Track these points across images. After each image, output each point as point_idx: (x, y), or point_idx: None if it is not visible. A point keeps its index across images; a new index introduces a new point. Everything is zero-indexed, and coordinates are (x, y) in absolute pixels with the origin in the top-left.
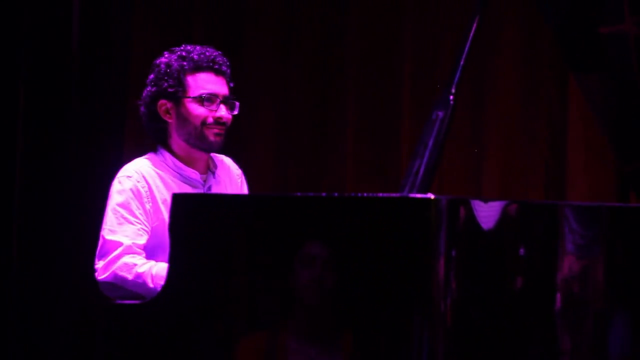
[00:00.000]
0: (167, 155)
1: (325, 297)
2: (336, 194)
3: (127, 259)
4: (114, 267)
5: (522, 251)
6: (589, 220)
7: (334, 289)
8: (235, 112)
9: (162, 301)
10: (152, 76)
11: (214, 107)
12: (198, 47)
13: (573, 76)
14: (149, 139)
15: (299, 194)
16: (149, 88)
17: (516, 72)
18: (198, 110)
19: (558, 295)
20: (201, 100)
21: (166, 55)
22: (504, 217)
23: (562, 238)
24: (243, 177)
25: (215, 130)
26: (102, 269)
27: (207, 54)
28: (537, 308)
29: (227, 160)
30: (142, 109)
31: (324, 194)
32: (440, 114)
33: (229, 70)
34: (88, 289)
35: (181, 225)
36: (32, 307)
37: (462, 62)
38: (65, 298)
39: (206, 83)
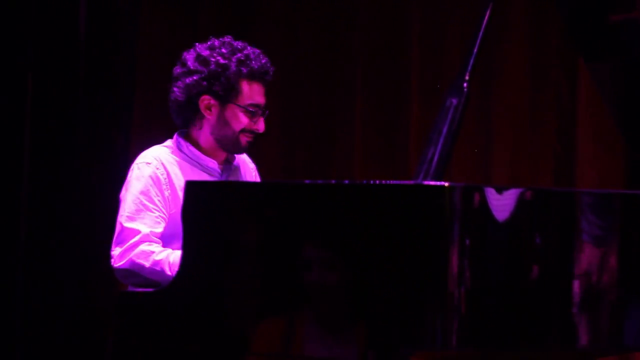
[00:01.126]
0: (185, 144)
1: (339, 285)
2: (351, 182)
3: (144, 246)
4: (132, 255)
5: (538, 239)
6: (605, 207)
7: (346, 278)
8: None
9: (175, 288)
10: (203, 69)
11: (256, 118)
12: (255, 52)
13: (584, 65)
14: (158, 132)
15: (313, 181)
16: (196, 78)
17: (524, 60)
18: (244, 119)
19: (574, 283)
20: (249, 112)
21: (222, 52)
22: (519, 205)
23: (578, 225)
24: (257, 172)
25: (249, 139)
26: (119, 256)
27: (263, 62)
28: (553, 296)
29: (242, 155)
30: (178, 93)
31: (343, 181)
32: (454, 101)
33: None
34: (99, 279)
35: (193, 212)
36: (42, 296)
37: (475, 49)
38: (76, 286)
39: (257, 94)
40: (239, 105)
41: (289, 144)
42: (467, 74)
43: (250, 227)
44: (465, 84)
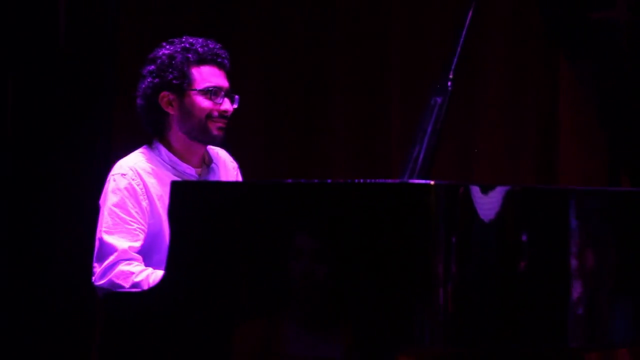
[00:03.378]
0: (163, 149)
1: (324, 285)
2: (337, 181)
3: (123, 266)
4: (111, 275)
5: (524, 237)
6: (593, 205)
7: (332, 276)
8: (236, 106)
9: (162, 288)
10: (152, 67)
11: (219, 100)
12: (200, 40)
13: (565, 62)
14: (139, 134)
15: (299, 180)
16: (149, 79)
17: (505, 58)
18: (204, 103)
19: (563, 281)
20: (208, 93)
21: (167, 47)
22: (505, 203)
23: (566, 223)
24: (238, 170)
25: (219, 124)
26: (99, 275)
27: (211, 46)
28: (541, 294)
29: (223, 153)
30: (139, 100)
31: (328, 181)
32: (439, 99)
33: (229, 63)
34: (83, 279)
35: (180, 211)
36: (26, 297)
37: (459, 48)
38: (62, 288)
39: (211, 76)
40: (195, 90)
41: (272, 143)
42: (452, 72)
43: (235, 227)
44: (449, 83)
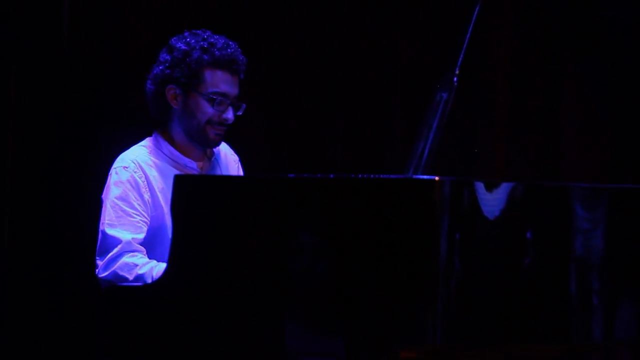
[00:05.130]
0: (164, 143)
1: (328, 279)
2: (342, 175)
3: (127, 258)
4: (115, 267)
5: (528, 233)
6: (597, 201)
7: (335, 271)
8: (240, 113)
9: (164, 281)
10: (168, 57)
11: (222, 108)
12: (222, 41)
13: (571, 59)
14: (142, 128)
15: (303, 175)
16: (161, 67)
17: (511, 56)
18: (206, 108)
19: (566, 278)
20: (212, 100)
21: (187, 40)
22: (510, 199)
23: (570, 220)
24: (240, 163)
25: (217, 130)
26: (103, 267)
27: (229, 51)
28: (544, 291)
29: (224, 147)
30: (149, 84)
31: (335, 175)
32: (444, 95)
33: (245, 69)
34: (84, 273)
35: (183, 205)
36: (26, 292)
37: (465, 44)
38: (64, 282)
39: (221, 82)
40: (201, 94)
41: (275, 137)
42: (457, 68)
43: (238, 222)
44: (455, 78)
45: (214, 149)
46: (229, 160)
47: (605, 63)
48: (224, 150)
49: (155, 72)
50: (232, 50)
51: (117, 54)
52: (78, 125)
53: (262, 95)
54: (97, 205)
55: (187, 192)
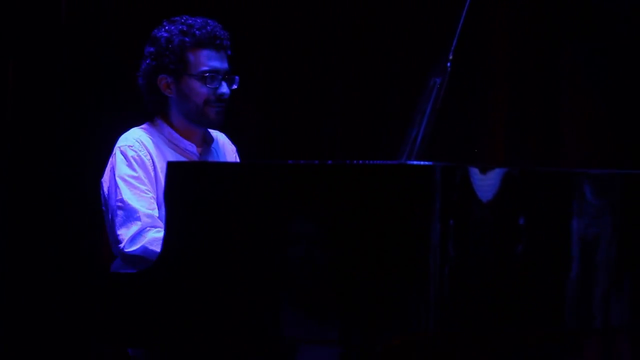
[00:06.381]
0: (165, 126)
1: (322, 266)
2: (335, 161)
3: (153, 233)
4: (144, 242)
5: (523, 220)
6: (595, 188)
7: (329, 258)
8: (235, 87)
9: (159, 269)
10: (152, 49)
11: (215, 84)
12: (199, 21)
13: (568, 46)
14: (143, 112)
15: (296, 161)
16: (148, 61)
17: (508, 42)
18: (200, 89)
19: (562, 264)
20: (203, 78)
21: (166, 28)
22: (504, 185)
23: (566, 206)
24: (237, 153)
25: (217, 108)
26: (129, 241)
27: (209, 28)
28: (539, 277)
29: (222, 137)
30: (140, 80)
31: (327, 161)
32: (438, 80)
33: (229, 43)
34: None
35: (176, 192)
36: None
37: (459, 29)
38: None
39: (207, 60)
40: (192, 75)
41: (271, 127)
42: (451, 53)
43: (233, 208)
44: (448, 64)
45: (213, 136)
46: (226, 149)
47: (604, 47)
48: (222, 139)
49: (143, 66)
50: (212, 27)
51: (115, 43)
52: (77, 115)
53: (259, 86)
54: (96, 195)
55: (180, 179)
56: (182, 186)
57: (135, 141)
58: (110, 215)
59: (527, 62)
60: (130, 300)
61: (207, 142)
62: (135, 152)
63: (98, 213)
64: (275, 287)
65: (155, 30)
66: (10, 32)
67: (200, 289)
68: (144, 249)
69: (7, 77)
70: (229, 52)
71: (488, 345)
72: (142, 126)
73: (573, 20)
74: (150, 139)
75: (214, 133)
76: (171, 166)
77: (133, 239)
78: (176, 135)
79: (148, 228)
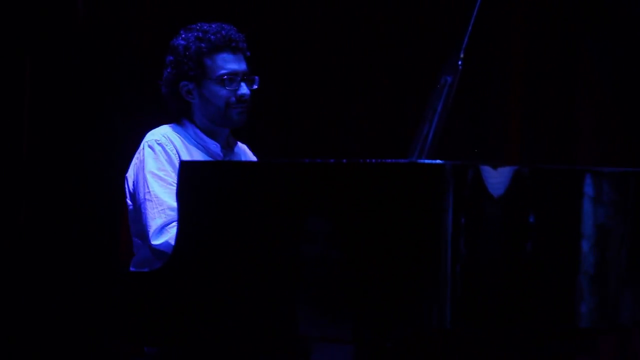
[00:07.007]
0: (190, 125)
1: (334, 264)
2: (347, 160)
3: None
4: (168, 237)
5: (535, 217)
6: (608, 186)
7: (342, 256)
8: (256, 87)
9: (172, 268)
10: (171, 58)
11: (234, 86)
12: (214, 26)
13: (585, 38)
14: (162, 111)
15: (309, 160)
16: (169, 70)
17: (524, 40)
18: (220, 92)
19: (573, 262)
20: (222, 81)
21: (183, 36)
22: (515, 183)
23: (578, 204)
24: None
25: (239, 110)
26: (155, 234)
27: (224, 32)
28: (551, 275)
29: (243, 146)
30: (163, 88)
31: (340, 160)
32: (449, 78)
33: (245, 45)
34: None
35: (189, 192)
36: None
37: (470, 27)
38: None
39: (225, 63)
40: (211, 79)
41: (284, 123)
42: (462, 51)
43: (246, 207)
44: (459, 62)
45: (237, 142)
46: (248, 156)
47: (621, 46)
48: (244, 148)
49: (165, 75)
50: (227, 31)
51: (133, 43)
52: (94, 114)
53: (272, 85)
54: (117, 193)
55: (193, 178)
56: (195, 186)
57: (162, 136)
58: (137, 209)
59: (543, 60)
60: (145, 299)
61: (231, 146)
62: (162, 146)
63: (115, 211)
64: (289, 285)
65: (173, 40)
66: (28, 30)
67: (214, 288)
68: (167, 244)
69: (24, 75)
70: (248, 54)
71: (501, 343)
72: (168, 125)
73: (590, 18)
74: (177, 135)
75: (238, 142)
76: (184, 166)
77: (159, 231)
78: (202, 134)
79: (173, 223)
